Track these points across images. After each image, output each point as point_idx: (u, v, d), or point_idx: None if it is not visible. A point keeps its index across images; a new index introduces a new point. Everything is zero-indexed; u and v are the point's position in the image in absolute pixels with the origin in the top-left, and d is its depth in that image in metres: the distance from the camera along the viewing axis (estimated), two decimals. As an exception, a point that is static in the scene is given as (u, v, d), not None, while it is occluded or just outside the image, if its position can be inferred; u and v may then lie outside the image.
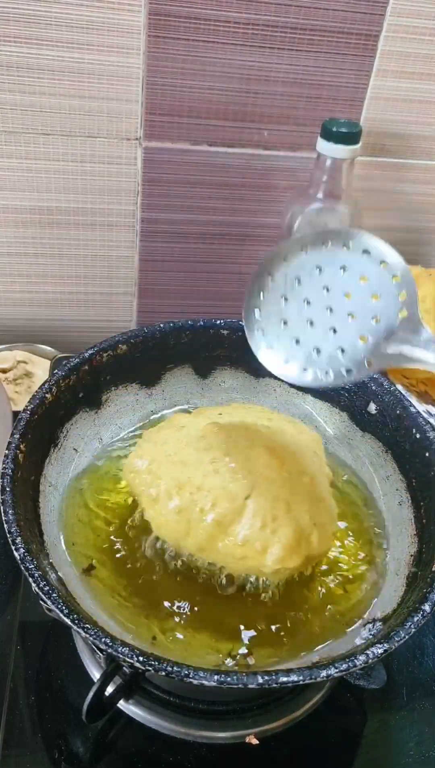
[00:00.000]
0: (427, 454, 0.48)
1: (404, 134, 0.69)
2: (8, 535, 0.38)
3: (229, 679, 0.34)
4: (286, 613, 0.44)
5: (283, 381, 0.57)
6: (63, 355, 0.71)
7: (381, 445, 0.52)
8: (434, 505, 0.46)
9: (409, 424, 0.50)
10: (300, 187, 0.67)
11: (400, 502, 0.49)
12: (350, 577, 0.47)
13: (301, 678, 0.34)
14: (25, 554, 0.38)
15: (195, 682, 0.33)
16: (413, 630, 0.37)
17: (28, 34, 0.58)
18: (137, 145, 0.65)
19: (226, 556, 0.42)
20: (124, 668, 0.42)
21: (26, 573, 0.37)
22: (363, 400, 0.53)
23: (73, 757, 0.43)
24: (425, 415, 0.50)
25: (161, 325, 0.54)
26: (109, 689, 0.42)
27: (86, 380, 0.51)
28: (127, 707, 0.45)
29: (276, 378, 0.57)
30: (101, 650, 0.35)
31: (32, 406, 0.46)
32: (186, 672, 0.34)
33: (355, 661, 0.35)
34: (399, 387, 0.56)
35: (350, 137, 0.60)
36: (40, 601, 0.37)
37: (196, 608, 0.44)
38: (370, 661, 0.35)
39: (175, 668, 0.34)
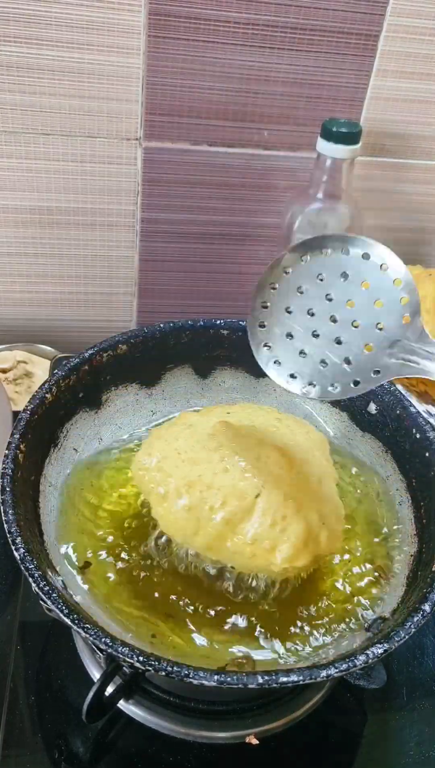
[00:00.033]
0: (427, 454, 0.48)
1: (404, 134, 0.69)
2: (8, 535, 0.38)
3: (229, 679, 0.34)
4: (286, 612, 0.44)
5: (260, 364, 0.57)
6: (63, 355, 0.71)
7: (381, 445, 0.52)
8: (434, 505, 0.46)
9: (409, 424, 0.50)
10: (300, 187, 0.67)
11: (400, 502, 0.49)
12: (351, 576, 0.47)
13: (301, 678, 0.34)
14: (25, 554, 0.38)
15: (195, 682, 0.33)
16: (413, 630, 0.37)
17: (28, 34, 0.58)
18: (137, 145, 0.65)
19: (234, 555, 0.42)
20: (124, 668, 0.42)
21: (26, 573, 0.37)
22: (363, 400, 0.53)
23: (73, 757, 0.43)
24: (425, 415, 0.50)
25: (161, 325, 0.54)
26: (109, 689, 0.42)
27: (86, 380, 0.51)
28: (127, 707, 0.45)
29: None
30: (101, 650, 0.35)
31: (32, 406, 0.46)
32: (186, 672, 0.34)
33: (355, 661, 0.35)
34: (399, 387, 0.56)
35: (350, 137, 0.60)
36: (40, 601, 0.37)
37: (197, 607, 0.44)
38: (370, 661, 0.35)
39: (175, 668, 0.34)
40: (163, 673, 0.34)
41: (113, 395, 0.54)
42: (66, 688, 0.47)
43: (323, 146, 0.61)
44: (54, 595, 0.36)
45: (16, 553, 0.38)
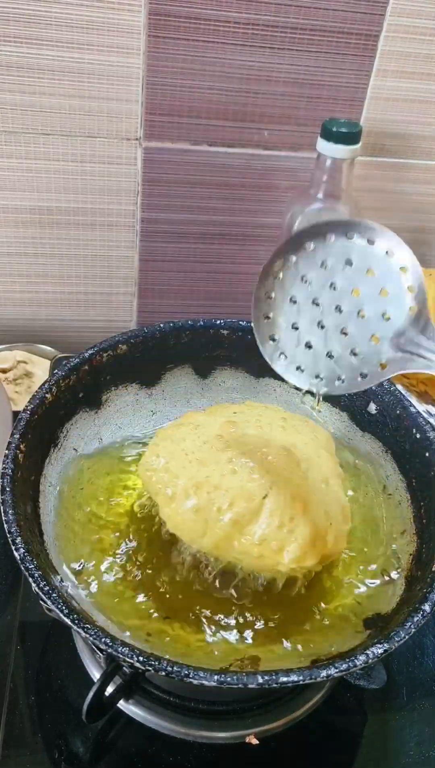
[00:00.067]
0: (427, 454, 0.48)
1: (404, 134, 0.69)
2: (8, 535, 0.38)
3: (229, 679, 0.34)
4: (286, 612, 0.44)
5: (283, 381, 0.57)
6: (63, 355, 0.71)
7: (381, 445, 0.52)
8: (434, 505, 0.46)
9: (409, 424, 0.50)
10: (300, 187, 0.67)
11: (399, 501, 0.49)
12: (351, 575, 0.47)
13: (301, 678, 0.34)
14: (25, 554, 0.38)
15: (195, 682, 0.33)
16: (413, 630, 0.37)
17: (28, 34, 0.58)
18: (137, 145, 0.65)
19: (242, 555, 0.42)
20: (124, 668, 0.42)
21: (26, 573, 0.37)
22: (363, 400, 0.53)
23: (73, 757, 0.43)
24: (425, 415, 0.50)
25: (161, 325, 0.54)
26: (109, 689, 0.42)
27: (86, 380, 0.51)
28: (127, 707, 0.45)
29: (276, 378, 0.57)
30: (101, 650, 0.36)
31: (32, 406, 0.46)
32: (186, 672, 0.34)
33: (355, 661, 0.35)
34: (399, 387, 0.56)
35: (350, 137, 0.60)
36: (40, 601, 0.37)
37: (196, 608, 0.44)
38: (370, 661, 0.35)
39: (175, 668, 0.34)
40: (163, 673, 0.34)
41: (113, 395, 0.54)
42: (66, 688, 0.47)
43: (323, 146, 0.61)
44: (54, 595, 0.36)
45: (16, 553, 0.38)
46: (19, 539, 0.38)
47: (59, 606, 0.36)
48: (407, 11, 0.62)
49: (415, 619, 0.37)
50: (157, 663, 0.34)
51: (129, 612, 0.43)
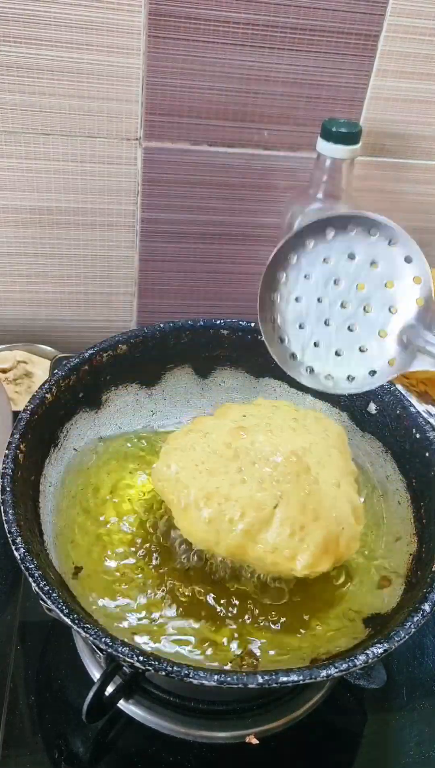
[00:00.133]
0: (427, 454, 0.48)
1: (404, 134, 0.69)
2: (8, 535, 0.38)
3: (229, 679, 0.34)
4: (285, 612, 0.44)
5: (283, 381, 0.57)
6: (63, 355, 0.71)
7: (381, 445, 0.52)
8: (434, 505, 0.46)
9: (409, 424, 0.50)
10: (300, 187, 0.67)
11: (399, 502, 0.49)
12: (351, 576, 0.47)
13: (301, 678, 0.34)
14: (25, 554, 0.38)
15: (195, 682, 0.33)
16: (413, 630, 0.37)
17: (27, 34, 0.58)
18: (137, 145, 0.65)
19: (256, 561, 0.42)
20: (124, 668, 0.42)
21: (26, 573, 0.37)
22: (363, 400, 0.53)
23: (73, 757, 0.43)
24: (425, 415, 0.50)
25: (161, 325, 0.54)
26: (109, 689, 0.42)
27: (86, 380, 0.51)
28: (127, 707, 0.45)
29: (276, 378, 0.57)
30: (101, 650, 0.36)
31: (32, 406, 0.46)
32: (186, 672, 0.34)
33: (355, 660, 0.35)
34: (399, 387, 0.56)
35: (350, 137, 0.60)
36: (40, 601, 0.37)
37: (199, 614, 0.44)
38: (370, 660, 0.35)
39: (175, 668, 0.34)
40: (163, 673, 0.34)
41: (113, 395, 0.54)
42: (66, 688, 0.47)
43: (323, 146, 0.61)
44: (54, 595, 0.36)
45: (16, 553, 0.38)
46: (19, 539, 0.38)
47: (59, 606, 0.36)
48: (407, 11, 0.62)
49: (415, 619, 0.37)
50: (157, 663, 0.34)
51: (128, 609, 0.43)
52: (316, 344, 0.39)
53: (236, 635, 0.43)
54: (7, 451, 0.43)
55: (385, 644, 0.36)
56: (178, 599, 0.44)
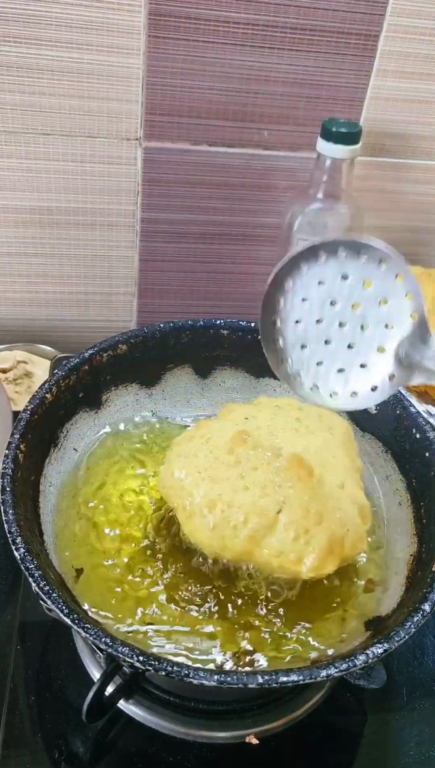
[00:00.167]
0: (427, 454, 0.48)
1: (404, 134, 0.69)
2: (8, 535, 0.38)
3: (229, 679, 0.34)
4: (284, 612, 0.44)
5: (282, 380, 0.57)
6: (63, 355, 0.71)
7: (381, 445, 0.52)
8: (434, 505, 0.46)
9: (409, 424, 0.50)
10: (300, 187, 0.67)
11: (400, 502, 0.49)
12: (349, 575, 0.47)
13: (301, 678, 0.34)
14: (25, 554, 0.38)
15: (195, 682, 0.33)
16: (413, 630, 0.37)
17: (27, 34, 0.58)
18: (137, 145, 0.65)
19: (263, 565, 0.43)
20: (124, 668, 0.42)
21: (26, 573, 0.37)
22: (363, 400, 0.53)
23: (73, 757, 0.43)
24: (425, 415, 0.50)
25: (161, 325, 0.54)
26: (109, 689, 0.42)
27: (86, 380, 0.51)
28: (127, 707, 0.45)
29: (276, 378, 0.57)
30: (101, 650, 0.36)
31: (32, 406, 0.46)
32: (186, 672, 0.34)
33: (355, 660, 0.35)
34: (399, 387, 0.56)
35: (350, 137, 0.60)
36: (40, 601, 0.37)
37: (198, 605, 0.44)
38: (370, 660, 0.35)
39: (175, 668, 0.34)
40: (163, 673, 0.34)
41: (113, 395, 0.54)
42: (66, 688, 0.47)
43: (323, 146, 0.61)
44: (54, 595, 0.36)
45: (16, 553, 0.38)
46: (19, 539, 0.38)
47: (59, 606, 0.36)
48: (407, 11, 0.62)
49: (415, 619, 0.37)
50: (157, 663, 0.34)
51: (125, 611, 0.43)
52: (319, 363, 0.40)
53: (236, 635, 0.43)
54: (7, 451, 0.43)
55: (385, 644, 0.36)
56: (180, 599, 0.44)
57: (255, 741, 0.42)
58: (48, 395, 0.48)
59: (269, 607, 0.44)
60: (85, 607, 0.42)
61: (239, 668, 0.41)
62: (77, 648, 0.48)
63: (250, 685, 0.33)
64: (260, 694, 0.46)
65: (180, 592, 0.45)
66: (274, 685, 0.34)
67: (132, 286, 0.75)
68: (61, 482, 0.49)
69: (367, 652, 0.36)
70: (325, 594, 0.45)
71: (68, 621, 0.36)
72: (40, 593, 0.37)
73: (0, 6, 0.57)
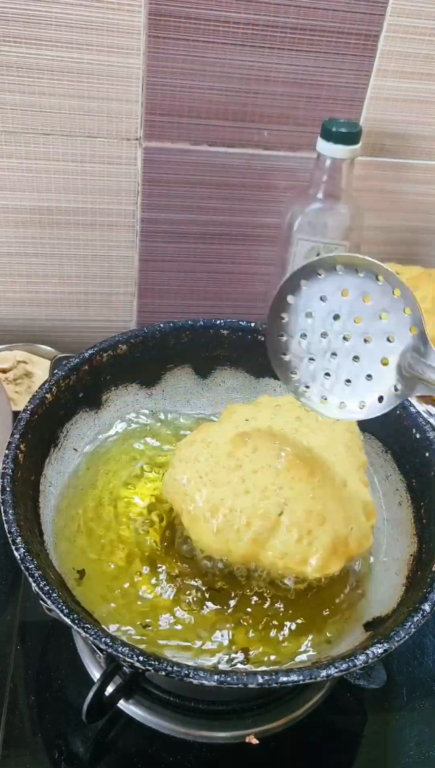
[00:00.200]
0: (427, 454, 0.48)
1: (404, 134, 0.69)
2: (8, 535, 0.38)
3: (229, 679, 0.34)
4: (282, 612, 0.44)
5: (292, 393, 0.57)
6: (63, 355, 0.71)
7: (381, 445, 0.52)
8: (434, 505, 0.46)
9: (409, 424, 0.50)
10: (300, 187, 0.67)
11: (400, 502, 0.49)
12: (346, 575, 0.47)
13: (301, 678, 0.34)
14: (25, 554, 0.38)
15: (195, 682, 0.33)
16: (413, 630, 0.37)
17: (27, 34, 0.58)
18: (137, 145, 0.65)
19: (268, 566, 0.43)
20: (124, 668, 0.42)
21: (26, 573, 0.37)
22: (363, 400, 0.53)
23: (73, 757, 0.43)
24: (425, 415, 0.50)
25: (161, 325, 0.54)
26: (109, 689, 0.42)
27: (86, 380, 0.51)
28: (127, 707, 0.45)
29: (276, 378, 0.57)
30: (101, 650, 0.36)
31: (32, 406, 0.46)
32: (186, 672, 0.34)
33: (355, 660, 0.35)
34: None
35: (350, 137, 0.60)
36: (40, 601, 0.37)
37: (197, 603, 0.44)
38: (370, 660, 0.35)
39: (175, 668, 0.34)
40: (163, 673, 0.34)
41: (113, 395, 0.54)
42: (66, 688, 0.47)
43: (323, 146, 0.61)
44: (54, 595, 0.36)
45: (16, 553, 0.38)
46: (19, 539, 0.38)
47: (59, 606, 0.36)
48: (407, 11, 0.62)
49: (415, 619, 0.37)
50: (157, 663, 0.34)
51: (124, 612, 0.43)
52: (326, 375, 0.41)
53: (235, 634, 0.43)
54: (7, 451, 0.43)
55: (385, 644, 0.36)
56: (182, 600, 0.44)
57: (255, 741, 0.42)
58: (48, 395, 0.48)
59: (271, 608, 0.44)
60: (87, 608, 0.42)
61: (239, 668, 0.41)
62: (77, 648, 0.48)
63: (250, 685, 0.33)
64: (260, 694, 0.46)
65: (181, 593, 0.45)
66: (274, 685, 0.34)
67: (132, 286, 0.75)
68: (62, 482, 0.49)
69: (367, 652, 0.36)
70: (325, 595, 0.45)
71: (68, 621, 0.36)
72: (40, 593, 0.37)
73: (0, 6, 0.57)
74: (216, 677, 0.33)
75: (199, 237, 0.72)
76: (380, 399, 0.39)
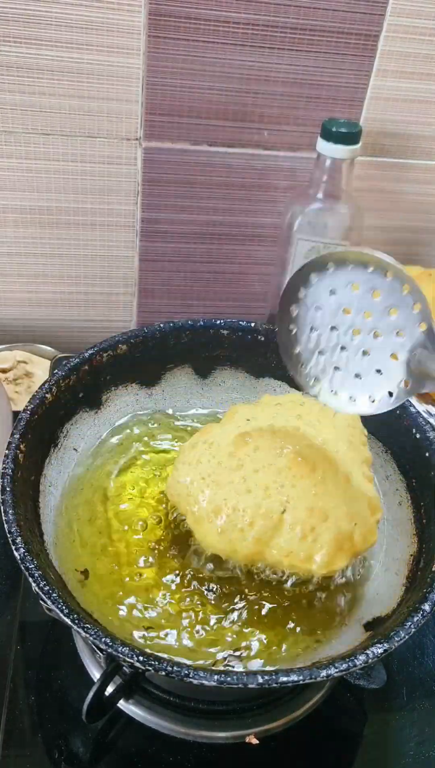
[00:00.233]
0: (427, 454, 0.48)
1: (404, 134, 0.69)
2: (8, 535, 0.38)
3: (229, 678, 0.34)
4: (282, 612, 0.44)
5: (283, 381, 0.57)
6: (63, 355, 0.71)
7: (381, 445, 0.52)
8: (434, 505, 0.46)
9: (409, 424, 0.50)
10: (300, 187, 0.67)
11: (400, 502, 0.49)
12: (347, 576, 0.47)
13: (301, 678, 0.34)
14: (25, 554, 0.38)
15: (195, 681, 0.33)
16: (413, 630, 0.37)
17: (27, 34, 0.58)
18: (137, 145, 0.65)
19: (274, 564, 0.43)
20: (124, 668, 0.42)
21: (26, 573, 0.37)
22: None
23: (73, 757, 0.43)
24: (425, 415, 0.50)
25: (161, 325, 0.54)
26: (109, 689, 0.42)
27: (86, 380, 0.51)
28: (127, 707, 0.45)
29: (276, 378, 0.57)
30: (101, 650, 0.36)
31: (32, 406, 0.46)
32: (186, 672, 0.34)
33: (355, 660, 0.35)
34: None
35: (350, 137, 0.60)
36: (40, 601, 0.37)
37: (191, 614, 0.44)
38: (370, 660, 0.35)
39: (175, 668, 0.34)
40: (163, 673, 0.34)
41: (113, 395, 0.54)
42: (66, 688, 0.47)
43: (323, 146, 0.61)
44: (54, 595, 0.36)
45: (16, 553, 0.38)
46: (19, 539, 0.38)
47: (59, 606, 0.36)
48: (407, 11, 0.62)
49: (415, 619, 0.37)
50: (157, 663, 0.34)
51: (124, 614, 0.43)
52: (336, 368, 0.41)
53: (237, 635, 0.43)
54: (7, 451, 0.43)
55: (385, 644, 0.36)
56: (183, 601, 0.44)
57: (255, 741, 0.42)
58: (48, 395, 0.48)
59: (271, 608, 0.44)
60: (89, 608, 0.42)
61: (237, 668, 0.41)
62: (77, 648, 0.48)
63: (250, 685, 0.33)
64: (260, 694, 0.46)
65: (182, 594, 0.45)
66: (274, 685, 0.34)
67: (132, 286, 0.75)
68: (63, 483, 0.49)
69: (367, 652, 0.36)
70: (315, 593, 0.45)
71: (68, 621, 0.36)
72: (40, 593, 0.37)
73: (0, 6, 0.57)
74: (216, 677, 0.33)
75: (199, 237, 0.72)
76: (390, 394, 0.39)
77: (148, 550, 0.47)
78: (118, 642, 0.35)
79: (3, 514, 0.39)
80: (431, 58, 0.65)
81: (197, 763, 0.44)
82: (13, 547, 0.38)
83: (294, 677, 0.34)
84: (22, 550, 0.38)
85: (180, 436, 0.55)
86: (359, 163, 0.68)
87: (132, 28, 0.59)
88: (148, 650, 0.36)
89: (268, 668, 0.41)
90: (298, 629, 0.43)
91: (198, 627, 0.43)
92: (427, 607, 0.38)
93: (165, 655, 0.40)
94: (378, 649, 0.36)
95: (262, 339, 0.56)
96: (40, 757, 0.43)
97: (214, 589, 0.45)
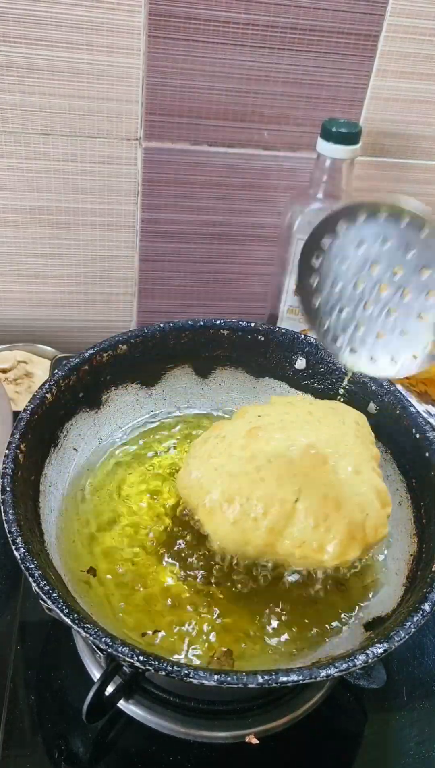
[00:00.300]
0: (427, 454, 0.47)
1: (404, 134, 0.69)
2: (8, 535, 0.38)
3: (229, 678, 0.34)
4: (281, 612, 0.44)
5: (283, 381, 0.57)
6: (63, 355, 0.71)
7: (381, 445, 0.52)
8: (434, 505, 0.46)
9: (409, 424, 0.50)
10: (300, 188, 0.67)
11: (400, 502, 0.49)
12: (347, 575, 0.47)
13: (301, 678, 0.34)
14: (25, 554, 0.38)
15: (195, 681, 0.33)
16: (413, 630, 0.37)
17: (27, 34, 0.58)
18: (137, 145, 0.65)
19: (286, 557, 0.43)
20: (124, 668, 0.42)
21: (26, 573, 0.37)
22: (363, 400, 0.53)
23: (73, 757, 0.43)
24: (425, 415, 0.50)
25: (161, 325, 0.54)
26: (109, 689, 0.42)
27: (86, 380, 0.51)
28: (127, 707, 0.45)
29: (276, 378, 0.57)
30: (101, 650, 0.35)
31: (32, 406, 0.46)
32: (186, 672, 0.34)
33: (355, 660, 0.35)
34: (399, 387, 0.56)
35: (350, 137, 0.60)
36: (40, 601, 0.37)
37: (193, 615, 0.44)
38: (370, 660, 0.35)
39: (175, 668, 0.34)
40: (163, 673, 0.34)
41: (113, 395, 0.54)
42: (66, 688, 0.47)
43: (323, 146, 0.61)
44: (54, 594, 0.36)
45: (16, 553, 0.38)
46: (19, 539, 0.38)
47: (59, 606, 0.36)
48: (407, 11, 0.62)
49: (415, 619, 0.37)
50: (157, 663, 0.34)
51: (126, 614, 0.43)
52: (356, 327, 0.39)
53: (237, 636, 0.43)
54: (7, 451, 0.43)
55: (385, 644, 0.36)
56: (184, 601, 0.44)
57: (255, 741, 0.42)
58: (48, 395, 0.48)
59: (274, 608, 0.44)
60: (88, 609, 0.42)
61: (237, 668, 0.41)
62: (77, 648, 0.48)
63: (250, 685, 0.33)
64: (260, 694, 0.46)
65: (183, 594, 0.45)
66: (274, 684, 0.34)
67: (132, 286, 0.75)
68: (63, 483, 0.49)
69: (367, 652, 0.36)
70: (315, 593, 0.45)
71: (68, 621, 0.36)
72: (40, 593, 0.37)
73: (0, 6, 0.57)
74: (216, 677, 0.33)
75: (199, 237, 0.72)
76: (415, 357, 0.37)
77: (151, 551, 0.47)
78: (118, 642, 0.35)
79: (3, 514, 0.39)
80: (431, 58, 0.65)
81: (197, 763, 0.44)
82: (13, 547, 0.38)
83: (294, 677, 0.34)
84: (22, 550, 0.38)
85: (180, 437, 0.55)
86: (359, 163, 0.68)
87: (132, 28, 0.59)
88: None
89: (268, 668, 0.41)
90: (297, 629, 0.44)
91: (198, 627, 0.43)
92: (427, 607, 0.38)
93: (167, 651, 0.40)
94: (378, 649, 0.36)
95: (262, 339, 0.56)
96: (40, 757, 0.43)
97: (215, 590, 0.45)
